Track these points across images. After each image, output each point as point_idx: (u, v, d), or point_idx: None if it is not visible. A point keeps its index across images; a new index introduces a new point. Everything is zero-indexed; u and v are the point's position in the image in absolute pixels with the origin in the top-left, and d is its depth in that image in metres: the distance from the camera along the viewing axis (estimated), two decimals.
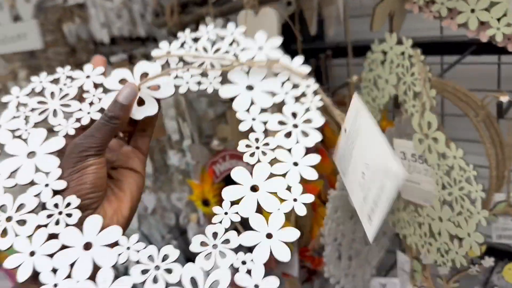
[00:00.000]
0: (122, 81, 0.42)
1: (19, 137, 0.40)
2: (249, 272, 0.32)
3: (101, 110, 0.41)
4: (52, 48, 1.22)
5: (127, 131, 0.44)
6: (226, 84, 0.41)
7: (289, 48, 1.04)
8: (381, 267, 0.92)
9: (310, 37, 1.04)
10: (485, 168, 0.57)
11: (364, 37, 0.73)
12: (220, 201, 0.35)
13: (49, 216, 0.36)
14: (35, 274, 0.33)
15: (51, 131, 0.41)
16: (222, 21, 0.77)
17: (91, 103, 0.42)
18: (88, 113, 0.41)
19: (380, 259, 0.86)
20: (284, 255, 0.33)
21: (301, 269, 0.85)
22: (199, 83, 0.42)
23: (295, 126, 0.39)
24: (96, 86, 0.43)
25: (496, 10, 0.49)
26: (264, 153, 0.38)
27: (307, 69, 0.41)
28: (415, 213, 0.60)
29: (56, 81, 0.44)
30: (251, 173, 0.36)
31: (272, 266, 0.78)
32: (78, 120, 0.41)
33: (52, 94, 0.43)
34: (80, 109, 0.42)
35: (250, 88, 0.41)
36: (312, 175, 0.37)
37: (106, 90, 0.43)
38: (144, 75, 0.43)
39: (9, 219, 0.36)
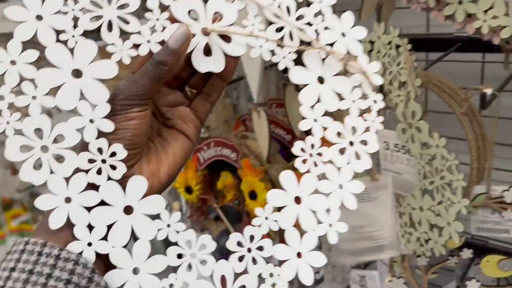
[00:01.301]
0: (191, 12, 0.34)
1: (65, 43, 0.31)
2: (273, 286, 0.33)
3: (162, 43, 0.32)
4: None
5: (193, 87, 0.38)
6: (299, 67, 0.35)
7: None
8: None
9: None
10: (467, 165, 0.58)
11: None
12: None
13: (91, 161, 0.31)
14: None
15: None
16: None
17: (152, 29, 0.33)
18: (148, 41, 0.32)
19: None
20: (308, 279, 0.33)
21: None
22: (272, 52, 0.35)
23: (351, 143, 0.35)
24: (162, 8, 0.33)
25: (483, 2, 0.50)
26: (315, 164, 0.35)
27: (380, 80, 0.36)
28: (396, 203, 0.61)
29: None
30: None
31: None
32: (135, 46, 0.32)
33: None
34: (139, 33, 0.32)
35: (321, 80, 0.36)
36: (352, 204, 0.35)
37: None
38: (217, 17, 0.34)
39: (44, 149, 0.30)
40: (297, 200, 0.34)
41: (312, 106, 0.35)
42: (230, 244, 0.33)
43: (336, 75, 0.36)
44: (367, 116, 0.36)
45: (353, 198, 0.35)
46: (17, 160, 0.30)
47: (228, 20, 0.34)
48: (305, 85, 0.35)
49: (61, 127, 0.30)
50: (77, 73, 0.31)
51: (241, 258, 0.33)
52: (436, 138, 0.51)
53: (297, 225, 0.34)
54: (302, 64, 0.36)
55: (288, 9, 0.35)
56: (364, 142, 0.36)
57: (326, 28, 0.36)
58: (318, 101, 0.35)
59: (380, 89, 0.59)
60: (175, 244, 0.32)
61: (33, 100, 0.30)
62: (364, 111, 0.36)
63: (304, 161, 0.34)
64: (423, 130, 0.52)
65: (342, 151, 0.35)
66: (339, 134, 0.35)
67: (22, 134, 0.30)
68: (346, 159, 0.35)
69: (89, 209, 0.31)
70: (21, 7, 0.30)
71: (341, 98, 0.36)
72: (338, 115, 0.37)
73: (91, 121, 0.31)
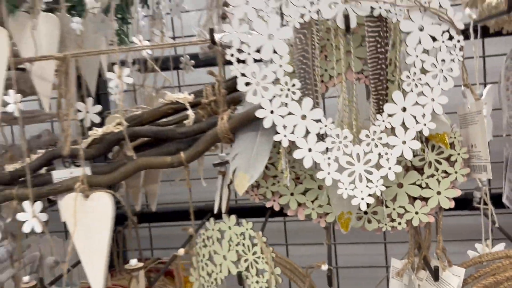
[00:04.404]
0: None
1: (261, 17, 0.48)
2: (387, 160, 0.51)
3: None
4: None
5: None
6: (407, 20, 0.50)
7: None
8: None
9: None
10: None
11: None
12: None
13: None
14: None
15: None
16: None
17: None
18: None
19: None
20: (409, 155, 0.51)
21: None
22: (388, 11, 0.49)
23: (441, 70, 0.50)
24: None
25: (310, 194, 0.60)
26: (416, 85, 0.50)
27: (461, 25, 0.50)
28: None
29: None
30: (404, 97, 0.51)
31: None
32: None
33: None
34: None
35: (421, 29, 0.50)
36: (439, 111, 0.51)
37: None
38: None
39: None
40: (403, 109, 0.50)
41: (415, 48, 0.50)
42: (362, 136, 0.51)
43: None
44: (452, 51, 0.51)
45: (440, 107, 0.51)
46: None
47: None
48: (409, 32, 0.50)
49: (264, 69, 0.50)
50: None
51: (367, 144, 0.51)
52: None
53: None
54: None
55: None
56: (450, 70, 0.51)
57: None
58: (419, 42, 0.50)
59: (239, 277, 0.61)
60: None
61: None
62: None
63: (408, 84, 0.50)
64: None
65: (434, 76, 0.50)
66: (432, 64, 0.50)
67: None
68: (437, 81, 0.50)
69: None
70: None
71: (434, 39, 0.50)
72: None
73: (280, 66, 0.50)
